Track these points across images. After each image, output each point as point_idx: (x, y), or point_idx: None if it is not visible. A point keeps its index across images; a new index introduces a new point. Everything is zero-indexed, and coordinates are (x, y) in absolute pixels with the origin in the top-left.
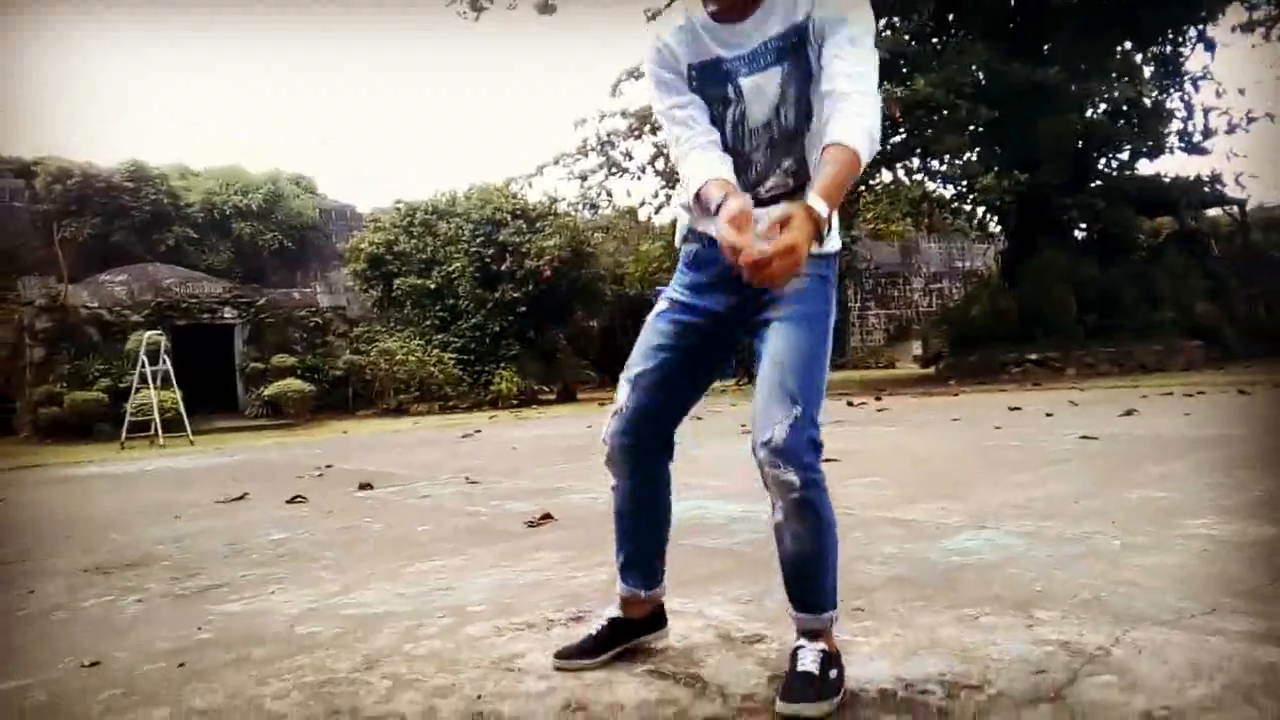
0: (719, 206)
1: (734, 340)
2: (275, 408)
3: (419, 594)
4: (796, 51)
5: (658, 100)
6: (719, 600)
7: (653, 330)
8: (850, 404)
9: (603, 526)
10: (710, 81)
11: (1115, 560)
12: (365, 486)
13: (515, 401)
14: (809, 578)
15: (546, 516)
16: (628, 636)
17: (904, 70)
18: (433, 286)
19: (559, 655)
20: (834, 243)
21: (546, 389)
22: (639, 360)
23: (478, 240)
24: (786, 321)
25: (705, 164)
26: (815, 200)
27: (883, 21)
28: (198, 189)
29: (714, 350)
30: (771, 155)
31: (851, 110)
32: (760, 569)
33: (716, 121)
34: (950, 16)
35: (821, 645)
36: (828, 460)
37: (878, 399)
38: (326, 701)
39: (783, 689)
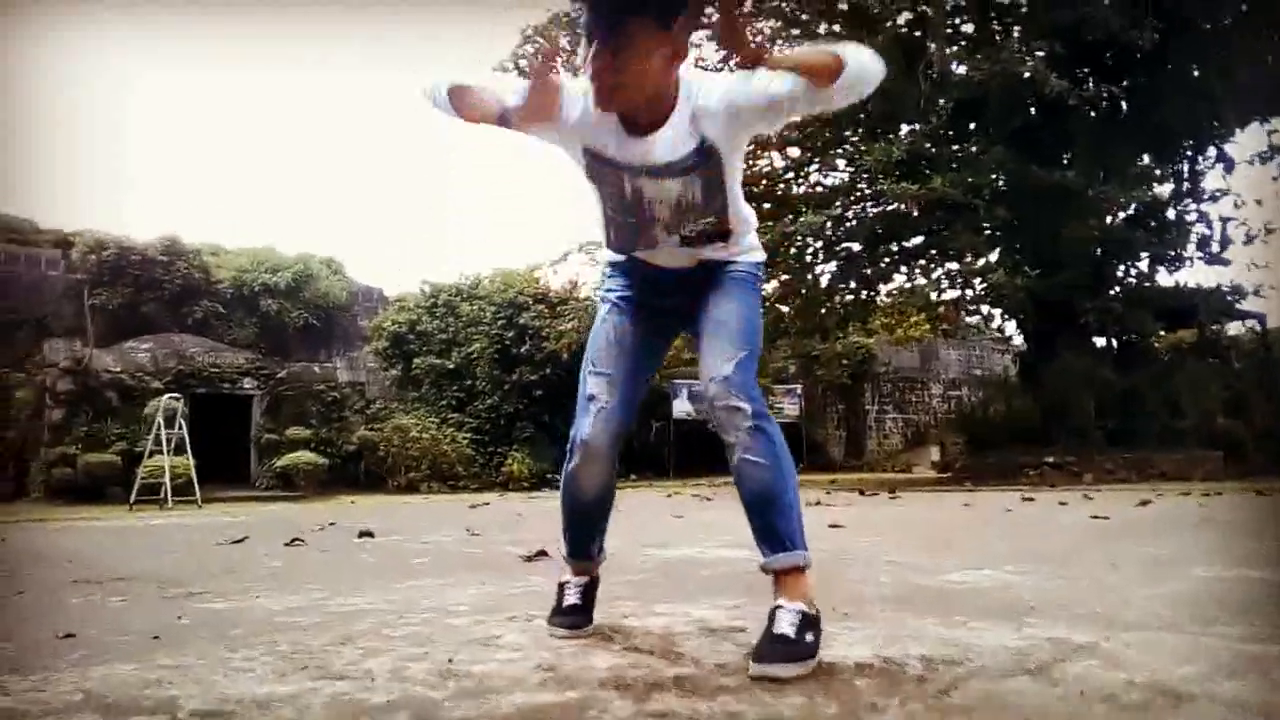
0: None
1: (673, 331)
2: (287, 480)
3: (405, 599)
4: (699, 167)
5: (512, 82)
6: (705, 606)
7: (609, 326)
8: (862, 493)
9: (604, 568)
10: (602, 175)
11: (1114, 588)
12: (366, 534)
13: (526, 484)
14: (773, 508)
15: (542, 553)
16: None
17: (924, 172)
18: (451, 366)
19: (553, 621)
20: (760, 254)
21: (558, 474)
22: (605, 358)
23: (499, 323)
24: (724, 297)
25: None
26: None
27: (905, 129)
28: (229, 266)
29: (660, 336)
30: (679, 215)
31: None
32: (751, 587)
33: (606, 198)
34: (971, 125)
35: (800, 606)
36: (834, 526)
37: (891, 492)
38: (295, 663)
39: (755, 650)
